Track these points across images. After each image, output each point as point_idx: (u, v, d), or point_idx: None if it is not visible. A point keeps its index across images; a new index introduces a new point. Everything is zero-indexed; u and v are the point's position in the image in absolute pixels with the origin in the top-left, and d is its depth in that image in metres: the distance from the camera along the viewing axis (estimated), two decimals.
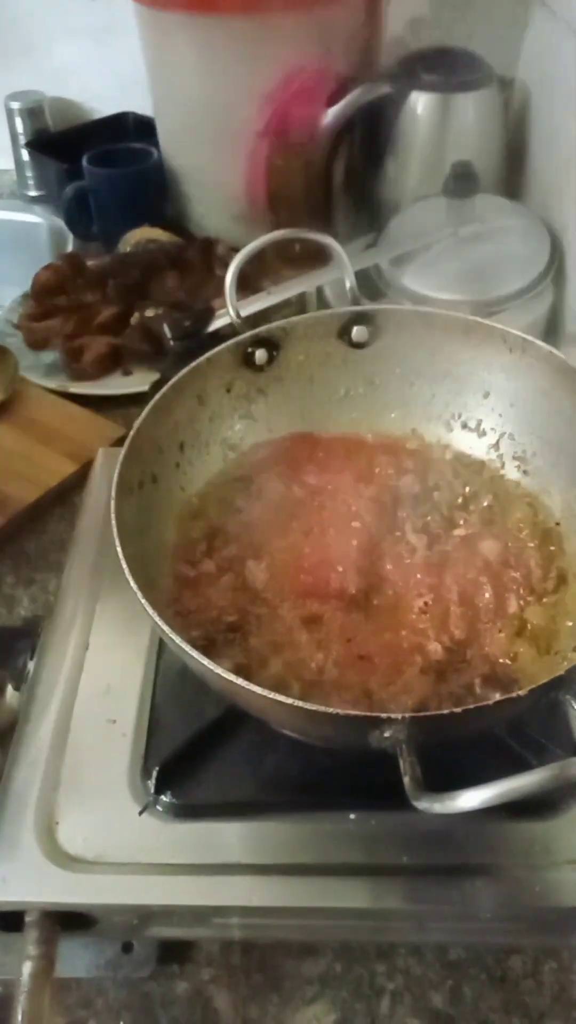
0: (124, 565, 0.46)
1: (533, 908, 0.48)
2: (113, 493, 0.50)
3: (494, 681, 0.50)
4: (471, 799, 0.34)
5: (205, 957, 0.58)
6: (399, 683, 0.50)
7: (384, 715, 0.38)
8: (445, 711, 0.38)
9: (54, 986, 0.50)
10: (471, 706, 0.39)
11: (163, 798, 0.52)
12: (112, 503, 0.50)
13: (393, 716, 0.38)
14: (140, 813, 0.52)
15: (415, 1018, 0.55)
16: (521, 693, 0.39)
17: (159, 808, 0.52)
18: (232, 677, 0.41)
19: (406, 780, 0.37)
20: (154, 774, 0.53)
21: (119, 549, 0.47)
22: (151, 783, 0.53)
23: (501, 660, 0.51)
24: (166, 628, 0.43)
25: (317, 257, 0.86)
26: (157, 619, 0.44)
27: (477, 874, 0.49)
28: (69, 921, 0.50)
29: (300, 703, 0.40)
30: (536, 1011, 0.55)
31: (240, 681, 0.41)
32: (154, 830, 0.52)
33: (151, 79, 1.12)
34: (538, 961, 0.57)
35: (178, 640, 0.43)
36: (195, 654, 0.42)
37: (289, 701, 0.40)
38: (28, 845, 0.51)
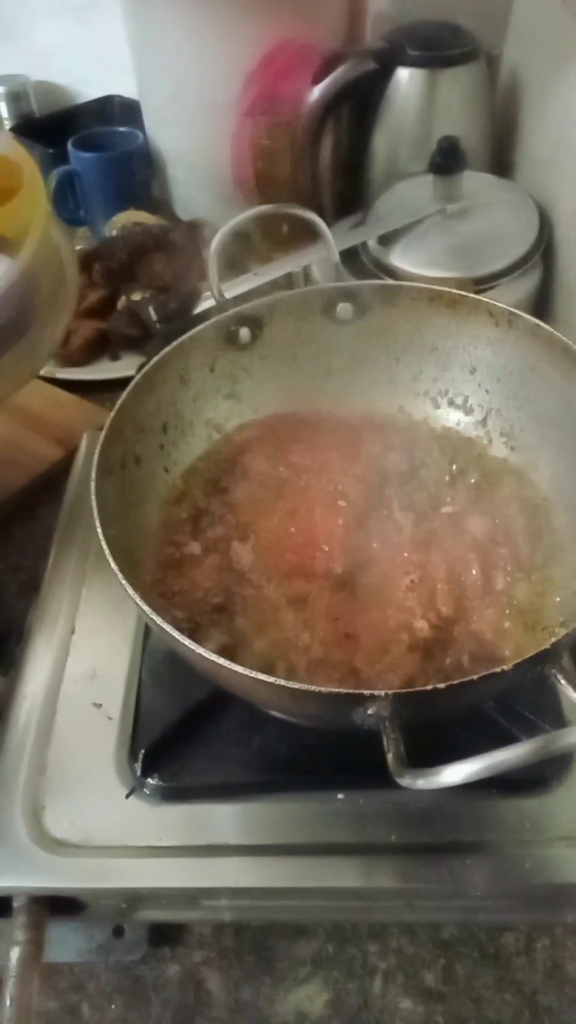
0: (105, 547, 0.46)
1: (524, 885, 0.48)
2: (94, 474, 0.49)
3: (481, 658, 0.50)
4: (454, 774, 0.33)
5: (197, 939, 0.58)
6: (386, 661, 0.50)
7: (367, 692, 0.38)
8: (428, 687, 0.38)
9: (43, 971, 0.50)
10: (455, 682, 0.38)
11: (150, 781, 0.52)
12: (93, 484, 0.49)
13: (376, 693, 0.38)
14: (127, 796, 0.52)
15: (407, 997, 0.55)
16: (505, 668, 0.38)
17: (146, 791, 0.52)
18: (215, 657, 0.40)
19: (389, 757, 0.37)
20: (140, 757, 0.52)
21: (100, 531, 0.47)
22: (138, 766, 0.52)
23: (488, 637, 0.51)
24: (148, 610, 0.43)
25: (305, 238, 0.85)
26: (138, 600, 0.43)
27: (467, 851, 0.49)
28: (58, 906, 0.50)
29: (283, 682, 0.40)
30: (529, 988, 0.55)
31: (223, 661, 0.40)
32: (141, 813, 0.51)
33: (135, 59, 1.11)
34: (531, 938, 0.57)
35: (160, 621, 0.42)
36: (177, 635, 0.41)
37: (272, 680, 0.39)
38: (14, 830, 0.50)
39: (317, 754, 0.52)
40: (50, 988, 0.56)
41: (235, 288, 0.77)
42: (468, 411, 0.65)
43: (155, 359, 0.57)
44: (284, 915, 0.56)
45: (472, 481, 0.60)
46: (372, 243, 0.89)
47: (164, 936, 0.58)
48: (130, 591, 0.43)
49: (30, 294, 0.66)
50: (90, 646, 0.60)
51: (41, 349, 0.69)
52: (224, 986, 0.56)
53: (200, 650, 0.41)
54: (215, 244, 0.60)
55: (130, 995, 0.56)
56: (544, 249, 0.87)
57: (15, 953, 0.48)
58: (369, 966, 0.56)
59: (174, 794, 0.52)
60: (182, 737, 0.53)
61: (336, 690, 0.39)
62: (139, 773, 0.52)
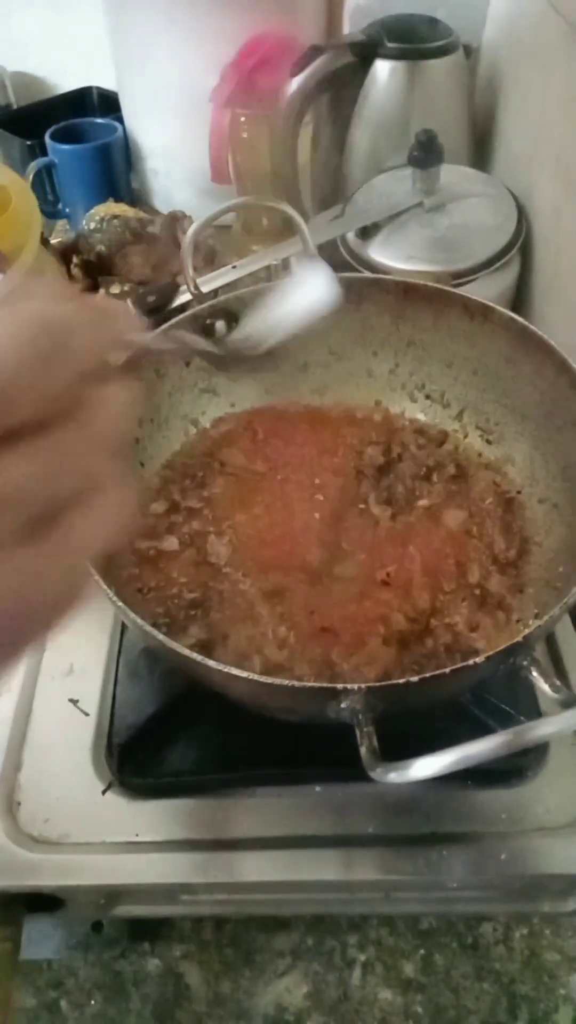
0: None
1: (501, 875, 0.49)
2: None
3: (457, 650, 0.50)
4: (425, 767, 0.33)
5: (177, 934, 0.58)
6: (362, 654, 0.50)
7: (340, 686, 0.38)
8: (401, 681, 0.38)
9: (21, 969, 0.50)
10: (427, 675, 0.38)
11: (127, 776, 0.52)
12: None
13: (349, 687, 0.38)
14: (104, 792, 0.52)
15: (387, 987, 0.56)
16: (478, 661, 0.38)
17: (123, 786, 0.52)
18: (189, 653, 0.40)
19: (362, 750, 0.37)
20: (117, 752, 0.52)
21: None
22: (114, 761, 0.52)
23: (464, 629, 0.51)
24: (123, 607, 0.43)
25: (285, 232, 0.84)
26: (111, 595, 0.43)
27: (445, 843, 0.50)
28: (35, 903, 0.50)
29: (257, 677, 0.40)
30: (507, 976, 0.56)
31: (198, 657, 0.40)
32: (119, 809, 0.51)
33: (114, 51, 1.10)
34: (509, 928, 0.57)
35: (135, 619, 0.42)
36: (150, 630, 0.41)
37: (245, 675, 0.39)
38: None
39: (294, 748, 0.52)
40: (28, 984, 0.56)
41: (213, 282, 0.76)
42: (445, 405, 0.65)
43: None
44: (263, 908, 0.56)
45: (448, 475, 0.60)
46: (351, 236, 0.89)
47: (144, 931, 0.58)
48: (104, 588, 0.43)
49: None
50: (66, 641, 0.59)
51: None
52: (204, 980, 0.56)
53: (175, 646, 0.41)
54: (189, 237, 0.60)
55: (109, 990, 0.56)
56: (522, 243, 0.87)
57: None
58: (348, 957, 0.57)
59: (151, 789, 0.52)
60: (159, 732, 0.53)
61: (310, 684, 0.39)
62: (116, 769, 0.52)
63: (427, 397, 0.65)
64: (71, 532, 0.25)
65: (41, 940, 0.57)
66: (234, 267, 0.81)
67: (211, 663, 0.40)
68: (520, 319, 0.56)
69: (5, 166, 0.69)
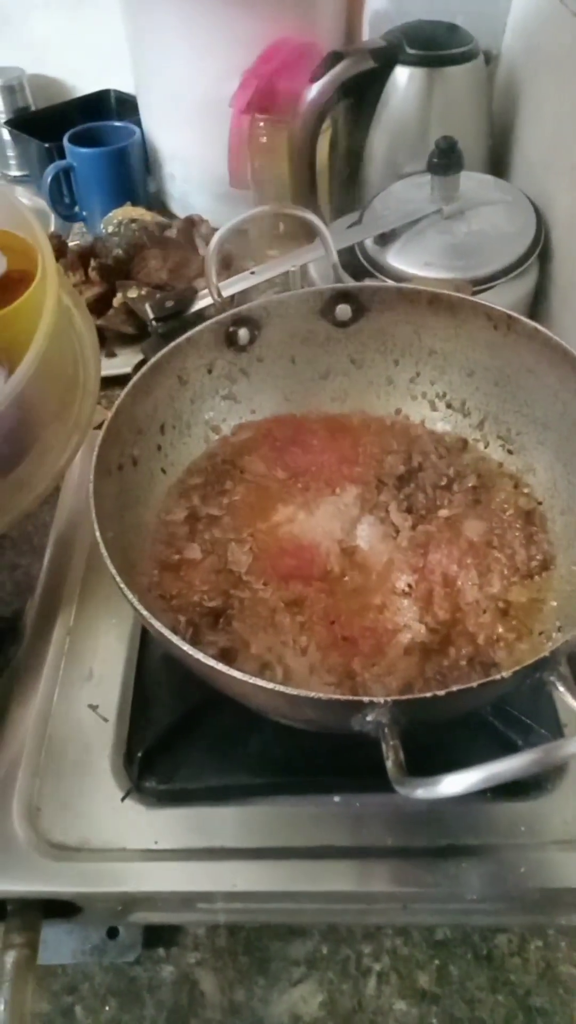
0: (103, 550, 0.46)
1: (520, 889, 0.48)
2: (92, 475, 0.49)
3: (478, 662, 0.50)
4: (454, 784, 0.33)
5: (191, 940, 0.58)
6: (383, 664, 0.50)
7: (367, 699, 0.38)
8: (428, 695, 0.38)
9: (37, 974, 0.49)
10: (454, 689, 0.38)
11: (146, 783, 0.52)
12: (91, 486, 0.49)
13: (375, 700, 0.38)
14: (123, 799, 0.52)
15: (401, 998, 0.56)
16: (505, 675, 0.38)
17: (142, 793, 0.52)
18: (214, 663, 0.40)
19: (388, 764, 0.37)
20: (137, 759, 0.52)
21: (98, 533, 0.46)
22: (134, 768, 0.52)
23: (485, 641, 0.51)
24: (147, 614, 0.43)
25: (302, 236, 0.84)
26: (137, 604, 0.43)
27: (463, 855, 0.49)
28: (52, 909, 0.50)
29: (282, 688, 0.39)
30: (522, 988, 0.56)
31: (222, 667, 0.40)
32: (138, 816, 0.51)
33: (133, 55, 1.10)
34: (524, 939, 0.57)
35: (158, 626, 0.42)
36: (176, 640, 0.41)
37: (270, 686, 0.39)
38: (10, 833, 0.50)
39: (313, 756, 0.52)
40: (43, 990, 0.56)
41: (232, 287, 0.76)
42: (465, 414, 0.64)
43: (153, 360, 0.57)
44: (279, 917, 0.56)
45: (469, 485, 0.60)
46: (369, 242, 0.89)
47: (159, 937, 0.58)
48: (128, 595, 0.43)
49: (27, 417, 0.55)
50: (86, 646, 0.60)
51: (36, 484, 0.56)
52: (218, 987, 0.56)
53: (199, 655, 0.41)
54: (213, 245, 0.60)
55: (124, 996, 0.56)
56: (540, 251, 0.87)
57: (9, 957, 0.48)
58: (363, 967, 0.57)
59: (170, 797, 0.52)
60: (178, 739, 0.53)
61: (335, 697, 0.39)
62: (135, 775, 0.52)
63: (448, 406, 0.65)
64: None
65: (56, 945, 0.57)
66: (252, 273, 0.81)
67: (236, 674, 0.40)
68: (544, 330, 0.56)
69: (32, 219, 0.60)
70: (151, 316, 0.76)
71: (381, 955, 0.57)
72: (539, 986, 0.55)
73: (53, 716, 0.56)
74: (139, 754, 0.52)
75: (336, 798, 0.51)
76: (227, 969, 0.57)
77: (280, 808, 0.51)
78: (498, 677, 0.38)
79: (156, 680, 0.56)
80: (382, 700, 0.38)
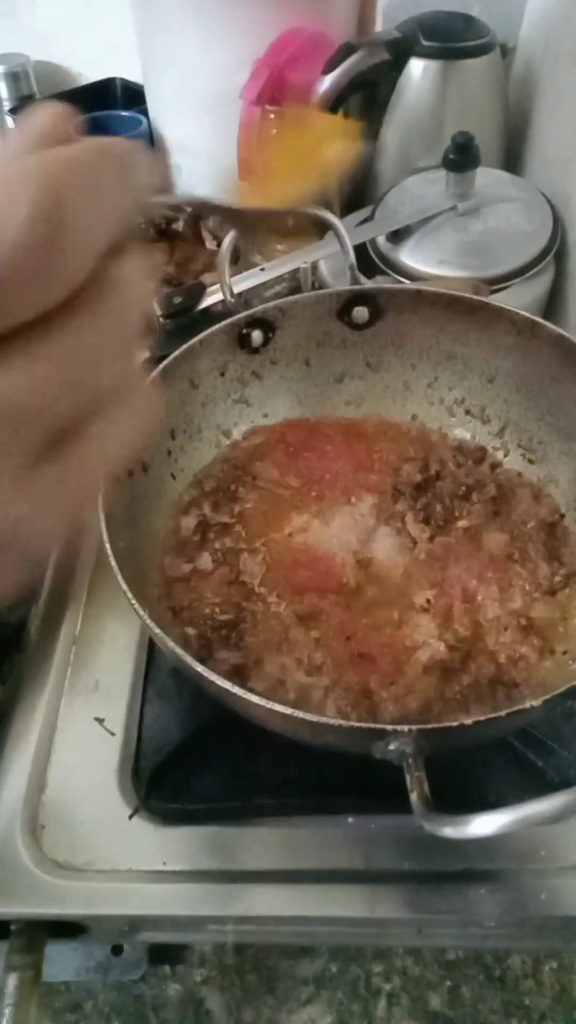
0: (112, 560, 0.44)
1: (540, 917, 0.47)
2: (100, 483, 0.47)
3: (499, 683, 0.48)
4: (485, 825, 0.32)
5: (198, 958, 0.57)
6: (401, 684, 0.48)
7: (390, 727, 0.36)
8: (455, 724, 0.36)
9: (41, 994, 0.48)
10: (481, 718, 0.36)
11: (154, 801, 0.50)
12: (99, 493, 0.47)
13: (399, 728, 0.36)
14: (130, 817, 0.50)
15: (412, 1020, 0.54)
16: (535, 704, 0.37)
17: (151, 812, 0.50)
18: (228, 685, 0.39)
19: (413, 798, 0.35)
20: (145, 776, 0.51)
21: (107, 543, 0.45)
22: (142, 785, 0.51)
23: (507, 660, 0.49)
24: (159, 632, 0.41)
25: (311, 231, 0.82)
26: (148, 621, 0.41)
27: (481, 881, 0.48)
28: (57, 928, 0.49)
29: (300, 714, 0.38)
30: (536, 1012, 0.54)
31: (237, 690, 0.38)
32: (145, 835, 0.50)
33: (140, 43, 1.07)
34: (538, 961, 0.56)
35: (171, 644, 0.40)
36: (189, 660, 0.39)
37: (289, 712, 0.38)
38: (13, 851, 0.49)
39: (327, 776, 0.50)
40: (46, 1008, 0.55)
41: (242, 283, 0.74)
42: (485, 421, 0.63)
43: (164, 363, 0.55)
44: (290, 938, 0.54)
45: (489, 495, 0.58)
46: (381, 239, 0.87)
47: (164, 954, 0.56)
48: (140, 612, 0.42)
49: None
50: (93, 657, 0.58)
51: None
52: (225, 1006, 0.55)
53: (213, 677, 0.39)
54: (226, 244, 0.58)
55: (129, 1015, 0.55)
56: (557, 250, 0.85)
57: (13, 979, 0.47)
58: (373, 987, 0.56)
59: (179, 816, 0.50)
60: (188, 755, 0.52)
61: (357, 724, 0.37)
62: (143, 793, 0.51)
63: (467, 412, 0.63)
64: (90, 450, 0.21)
65: (59, 962, 0.55)
66: (262, 269, 0.80)
67: (253, 698, 0.38)
68: (570, 336, 0.54)
69: None
70: (159, 312, 0.74)
71: (392, 975, 0.56)
72: (554, 1010, 0.54)
73: (58, 729, 0.54)
74: (148, 770, 0.51)
75: (350, 819, 0.50)
76: (234, 988, 0.55)
77: (293, 829, 0.50)
78: (527, 706, 0.37)
79: (165, 693, 0.55)
80: (406, 729, 0.36)
